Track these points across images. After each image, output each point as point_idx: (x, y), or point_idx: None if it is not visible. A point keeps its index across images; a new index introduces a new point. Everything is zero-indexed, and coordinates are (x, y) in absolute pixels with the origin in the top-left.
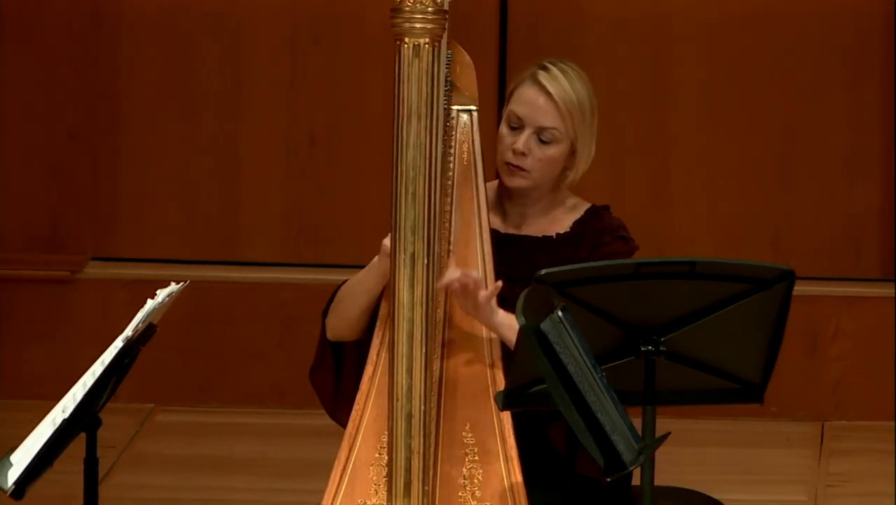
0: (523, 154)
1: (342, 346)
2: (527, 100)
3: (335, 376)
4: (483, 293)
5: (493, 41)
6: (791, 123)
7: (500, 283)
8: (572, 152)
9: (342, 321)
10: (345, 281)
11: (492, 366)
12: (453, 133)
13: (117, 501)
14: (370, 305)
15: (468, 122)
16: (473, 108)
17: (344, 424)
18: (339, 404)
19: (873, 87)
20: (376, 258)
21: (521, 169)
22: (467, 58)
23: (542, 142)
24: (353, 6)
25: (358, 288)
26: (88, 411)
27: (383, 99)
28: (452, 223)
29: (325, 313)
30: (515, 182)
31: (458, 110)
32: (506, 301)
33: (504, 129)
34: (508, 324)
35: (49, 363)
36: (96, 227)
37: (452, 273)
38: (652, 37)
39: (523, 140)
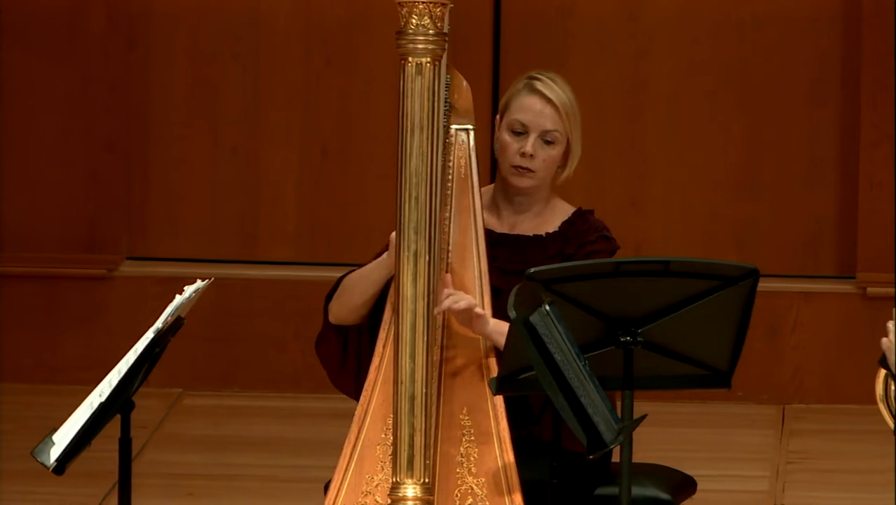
0: (531, 156)
1: (345, 326)
2: (528, 107)
3: (341, 349)
4: (476, 311)
5: (487, 67)
6: (755, 136)
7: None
8: (567, 151)
9: (346, 308)
10: (348, 272)
11: (486, 354)
12: (452, 149)
13: (149, 476)
14: (375, 296)
15: (466, 140)
16: (470, 126)
17: (346, 393)
18: (343, 374)
19: (830, 103)
20: (385, 255)
21: (529, 170)
22: (465, 82)
23: (546, 143)
24: (362, 31)
25: (364, 281)
26: (123, 395)
27: (388, 114)
28: (451, 229)
29: (328, 298)
30: (524, 182)
31: (457, 129)
32: (500, 292)
33: (507, 136)
34: (499, 330)
35: (87, 352)
36: (130, 229)
37: (449, 301)
38: (631, 59)
39: (531, 143)
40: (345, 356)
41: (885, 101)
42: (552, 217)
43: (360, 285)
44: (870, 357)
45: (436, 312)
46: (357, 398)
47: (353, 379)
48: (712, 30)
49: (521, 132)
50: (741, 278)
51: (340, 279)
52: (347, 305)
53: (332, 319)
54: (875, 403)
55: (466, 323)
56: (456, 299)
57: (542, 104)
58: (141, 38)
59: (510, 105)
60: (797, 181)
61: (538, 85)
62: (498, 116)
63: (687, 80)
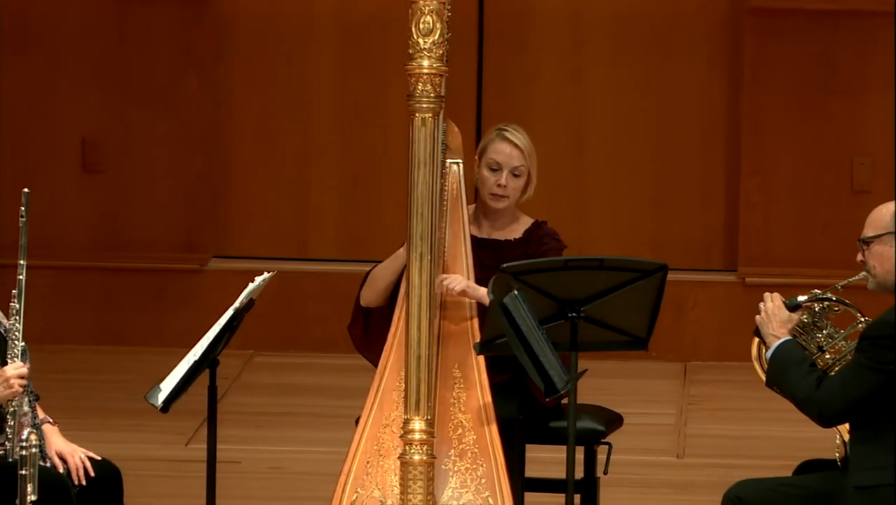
0: (504, 186)
1: (369, 310)
2: (501, 151)
3: (364, 329)
4: (466, 283)
5: (472, 118)
6: (665, 169)
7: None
8: (527, 181)
9: (374, 292)
10: (374, 266)
11: (472, 326)
12: (447, 177)
13: (229, 413)
14: (394, 282)
15: (457, 171)
16: (460, 161)
17: (369, 359)
18: (366, 346)
19: (718, 145)
20: (400, 249)
21: (504, 196)
22: (456, 128)
23: (515, 176)
24: (382, 94)
25: (385, 270)
26: (211, 355)
27: (401, 153)
28: (446, 235)
29: (360, 288)
30: (500, 204)
31: (450, 163)
32: (480, 281)
33: (486, 172)
34: (482, 294)
35: (185, 325)
36: (216, 236)
37: (448, 282)
38: (576, 114)
39: (504, 177)
40: (366, 334)
41: (758, 143)
42: (518, 227)
43: (382, 274)
44: (747, 328)
45: (439, 286)
46: (374, 363)
47: (373, 350)
48: (635, 96)
49: (496, 169)
50: (655, 271)
51: (367, 273)
52: (375, 291)
53: (363, 302)
54: (751, 361)
55: (461, 295)
56: (456, 281)
57: (511, 148)
58: (224, 99)
59: (487, 149)
60: (695, 201)
61: (507, 134)
62: (476, 157)
63: (616, 130)
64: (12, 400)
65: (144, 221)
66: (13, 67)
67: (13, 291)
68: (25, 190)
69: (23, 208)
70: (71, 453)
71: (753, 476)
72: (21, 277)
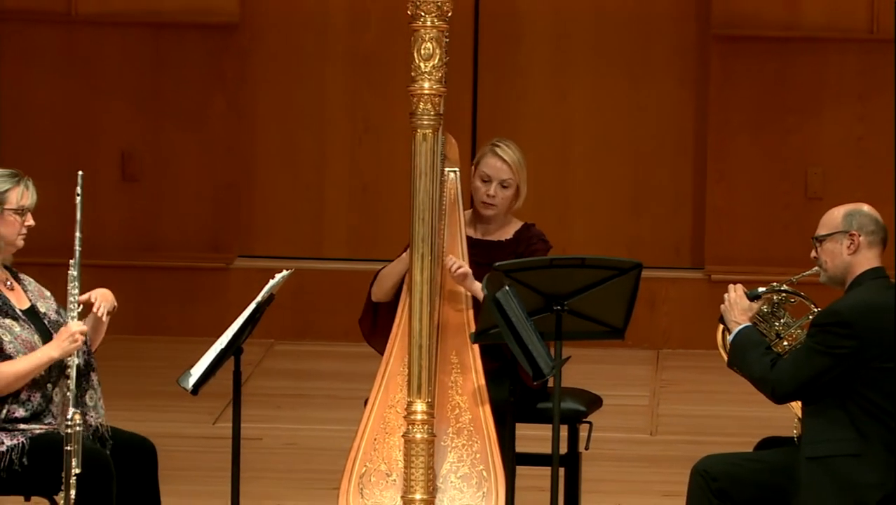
0: (493, 196)
1: (378, 305)
2: (492, 165)
3: (372, 322)
4: (469, 272)
5: (467, 132)
6: (640, 178)
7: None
8: (517, 191)
9: (382, 290)
10: (382, 267)
11: (467, 318)
12: (445, 184)
13: (252, 396)
14: (399, 282)
15: (454, 178)
16: (457, 169)
17: (376, 348)
18: (373, 337)
19: (687, 155)
20: (404, 255)
21: (492, 205)
22: (454, 140)
23: (503, 187)
24: (389, 111)
25: (392, 271)
26: (236, 344)
27: (405, 164)
28: (445, 236)
29: (371, 285)
30: (489, 212)
31: (448, 171)
32: (475, 278)
33: (478, 183)
34: (479, 288)
35: (213, 317)
36: (240, 237)
37: (453, 262)
38: (560, 130)
39: (493, 188)
40: (374, 326)
41: (723, 155)
42: (509, 229)
43: (388, 275)
44: (713, 320)
45: (447, 264)
46: (380, 351)
47: (379, 340)
48: (613, 112)
49: (486, 180)
50: (631, 269)
51: (377, 272)
52: (383, 289)
53: (373, 298)
54: (716, 347)
55: (460, 282)
56: (460, 265)
57: (500, 163)
58: (247, 116)
59: (480, 162)
60: (667, 207)
61: (498, 150)
62: (472, 168)
63: (596, 143)
64: (68, 361)
65: (176, 225)
66: (61, 89)
67: (71, 261)
68: (80, 172)
69: (78, 188)
70: (101, 297)
71: (719, 451)
72: (77, 248)
